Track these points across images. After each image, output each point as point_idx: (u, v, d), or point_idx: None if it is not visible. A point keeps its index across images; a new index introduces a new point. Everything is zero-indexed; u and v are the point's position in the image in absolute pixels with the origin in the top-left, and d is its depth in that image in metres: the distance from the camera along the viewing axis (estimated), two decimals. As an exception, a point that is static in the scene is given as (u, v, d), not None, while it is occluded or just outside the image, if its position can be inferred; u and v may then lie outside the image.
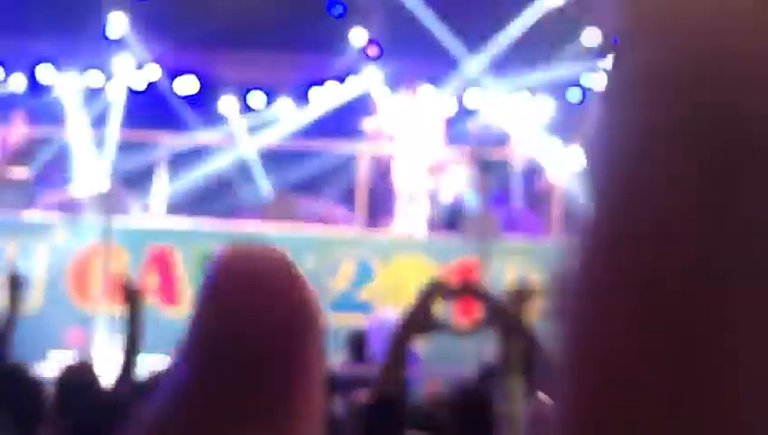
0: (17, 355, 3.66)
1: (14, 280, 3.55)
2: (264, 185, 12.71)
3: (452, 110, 9.39)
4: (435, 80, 13.10)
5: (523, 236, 9.04)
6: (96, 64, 13.21)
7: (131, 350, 3.03)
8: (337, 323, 8.08)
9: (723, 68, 0.36)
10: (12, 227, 8.86)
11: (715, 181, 0.35)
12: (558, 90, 13.30)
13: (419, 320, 2.18)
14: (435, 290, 2.24)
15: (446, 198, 10.07)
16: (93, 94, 13.12)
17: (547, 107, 12.72)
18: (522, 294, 2.41)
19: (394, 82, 11.57)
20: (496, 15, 11.41)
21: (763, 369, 0.33)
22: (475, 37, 11.99)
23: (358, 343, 6.69)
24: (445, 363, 6.88)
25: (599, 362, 0.35)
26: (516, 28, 11.48)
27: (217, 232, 9.02)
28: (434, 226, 9.26)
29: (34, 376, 2.89)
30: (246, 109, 13.03)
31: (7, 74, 13.08)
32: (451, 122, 10.09)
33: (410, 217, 9.03)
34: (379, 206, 9.81)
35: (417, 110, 9.19)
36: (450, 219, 9.16)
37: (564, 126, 12.32)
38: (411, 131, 9.06)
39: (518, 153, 9.29)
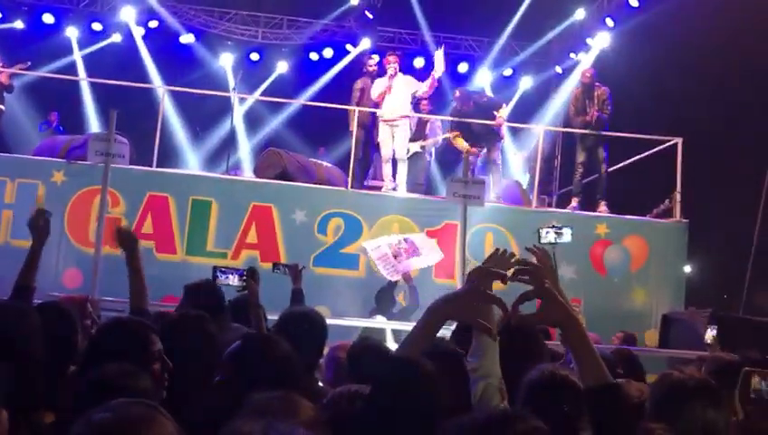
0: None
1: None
2: (258, 141, 13.01)
3: (441, 77, 9.58)
4: (425, 47, 13.39)
5: (503, 203, 9.43)
6: (99, 13, 13.36)
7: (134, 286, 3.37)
8: (321, 275, 8.50)
9: None
10: (12, 166, 8.96)
11: None
12: (544, 65, 13.63)
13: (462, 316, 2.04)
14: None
15: (431, 161, 10.42)
16: (96, 42, 13.29)
17: (529, 80, 13.01)
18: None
19: (384, 49, 11.82)
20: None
21: None
22: (466, 11, 12.25)
23: (384, 295, 7.42)
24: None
25: None
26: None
27: (212, 182, 9.26)
28: (418, 188, 9.59)
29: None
30: (244, 66, 13.28)
31: (10, 16, 13.18)
32: (440, 90, 10.35)
33: (395, 179, 9.34)
34: (368, 167, 10.15)
35: (403, 78, 9.39)
36: (434, 183, 9.51)
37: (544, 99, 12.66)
38: (397, 98, 9.26)
39: (504, 122, 9.56)
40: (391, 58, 9.38)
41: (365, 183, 9.78)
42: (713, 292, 12.14)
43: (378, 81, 9.46)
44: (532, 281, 1.92)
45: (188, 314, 3.19)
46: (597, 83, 9.52)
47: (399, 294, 8.13)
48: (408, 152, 9.53)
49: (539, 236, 6.33)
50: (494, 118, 9.30)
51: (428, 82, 9.22)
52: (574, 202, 9.67)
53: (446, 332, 3.08)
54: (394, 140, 9.28)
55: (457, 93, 9.64)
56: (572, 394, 2.17)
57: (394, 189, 9.29)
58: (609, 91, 9.48)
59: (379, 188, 9.47)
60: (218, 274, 4.06)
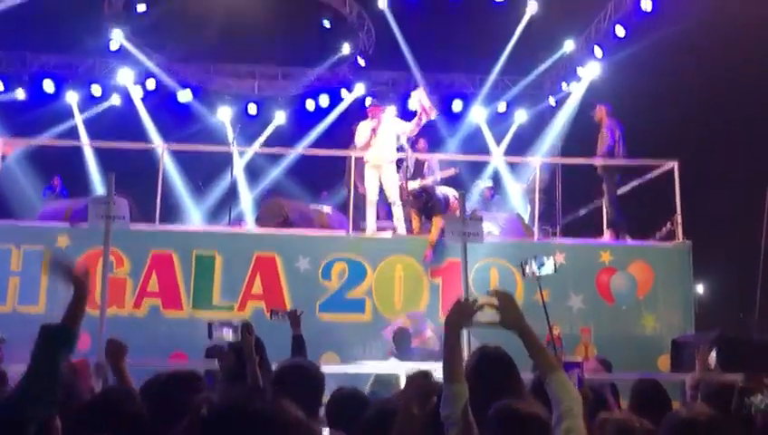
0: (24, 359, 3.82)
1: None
2: (258, 190, 13.11)
3: (433, 117, 9.61)
4: (415, 89, 13.55)
5: (504, 237, 9.43)
6: (98, 77, 13.63)
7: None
8: (328, 321, 8.48)
9: None
10: (17, 233, 9.00)
11: None
12: (537, 97, 13.76)
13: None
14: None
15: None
16: (95, 105, 13.53)
17: (523, 114, 13.09)
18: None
19: (379, 93, 11.96)
20: (479, 29, 11.82)
21: None
22: (457, 50, 12.44)
23: (402, 337, 7.70)
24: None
25: None
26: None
27: (215, 236, 9.32)
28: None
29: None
30: (243, 119, 13.46)
31: (11, 86, 13.47)
32: (434, 127, 10.42)
33: (393, 221, 9.34)
34: (364, 210, 10.16)
35: (388, 121, 9.43)
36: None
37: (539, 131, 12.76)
38: (383, 142, 9.23)
39: (501, 159, 9.62)
40: (374, 111, 9.37)
41: (363, 225, 9.80)
42: (725, 312, 12.02)
43: (362, 124, 9.47)
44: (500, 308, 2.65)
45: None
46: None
47: (415, 339, 8.17)
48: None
49: (523, 270, 6.32)
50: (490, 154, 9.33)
51: (413, 122, 9.12)
52: (607, 234, 9.75)
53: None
54: (383, 184, 9.26)
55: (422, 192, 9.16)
56: (536, 426, 2.25)
57: (394, 230, 9.26)
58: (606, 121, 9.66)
59: (384, 230, 9.45)
60: (213, 329, 4.08)
